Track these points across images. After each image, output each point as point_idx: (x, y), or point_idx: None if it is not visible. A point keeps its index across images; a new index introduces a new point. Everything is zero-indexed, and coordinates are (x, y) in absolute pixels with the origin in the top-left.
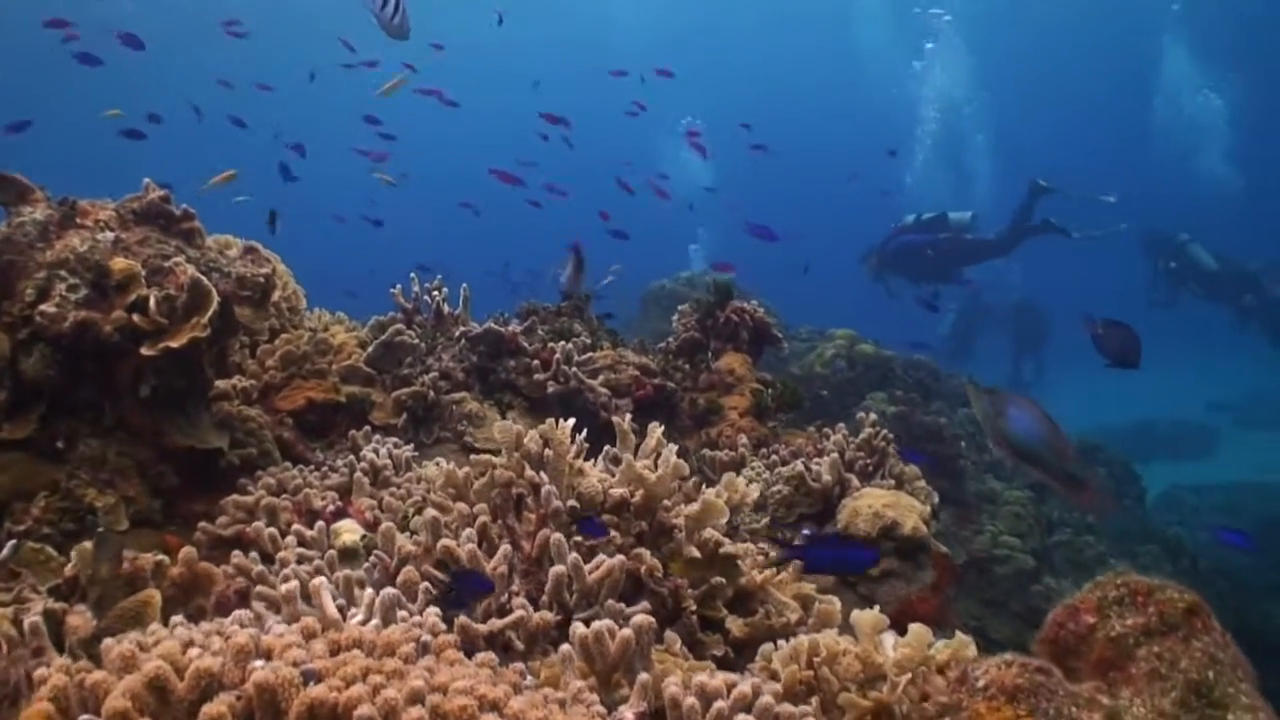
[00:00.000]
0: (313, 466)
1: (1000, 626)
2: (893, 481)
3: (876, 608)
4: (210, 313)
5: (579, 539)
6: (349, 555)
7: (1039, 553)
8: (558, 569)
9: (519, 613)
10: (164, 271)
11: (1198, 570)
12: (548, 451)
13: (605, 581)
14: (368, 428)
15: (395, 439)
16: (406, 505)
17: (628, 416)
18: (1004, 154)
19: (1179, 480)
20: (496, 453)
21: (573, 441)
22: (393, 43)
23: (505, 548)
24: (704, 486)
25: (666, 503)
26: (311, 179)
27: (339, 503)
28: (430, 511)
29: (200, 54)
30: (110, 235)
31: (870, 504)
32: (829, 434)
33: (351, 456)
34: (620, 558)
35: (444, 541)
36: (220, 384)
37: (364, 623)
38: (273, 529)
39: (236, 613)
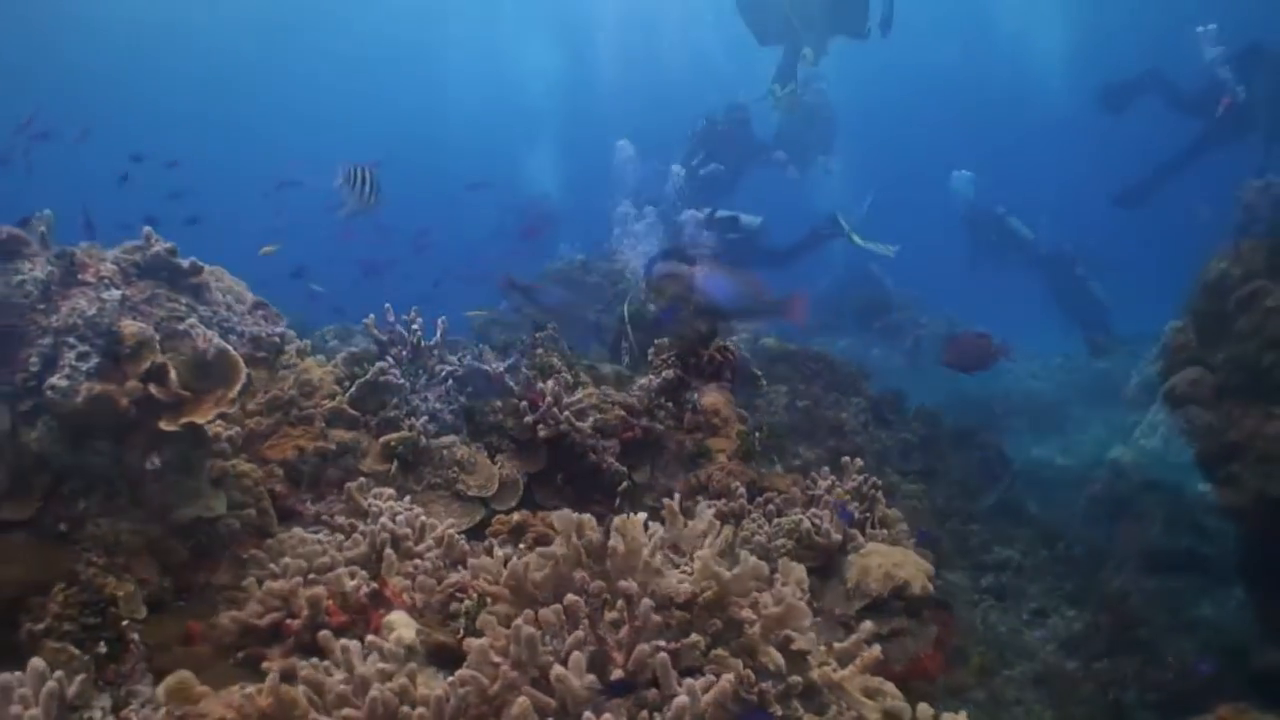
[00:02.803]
0: (324, 531)
1: None
2: (886, 531)
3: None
4: (239, 386)
5: (660, 643)
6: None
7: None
8: (680, 700)
9: None
10: (178, 335)
11: (1072, 556)
12: (612, 543)
13: (713, 704)
14: (362, 479)
15: (390, 489)
16: (458, 595)
17: (677, 501)
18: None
19: (1033, 455)
20: (543, 539)
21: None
22: None
23: (618, 674)
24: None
25: (738, 599)
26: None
27: (372, 584)
28: (527, 629)
29: None
30: (116, 294)
31: (880, 563)
32: (816, 480)
33: (372, 526)
34: (729, 679)
35: (558, 671)
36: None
37: None
38: (344, 642)
39: None
